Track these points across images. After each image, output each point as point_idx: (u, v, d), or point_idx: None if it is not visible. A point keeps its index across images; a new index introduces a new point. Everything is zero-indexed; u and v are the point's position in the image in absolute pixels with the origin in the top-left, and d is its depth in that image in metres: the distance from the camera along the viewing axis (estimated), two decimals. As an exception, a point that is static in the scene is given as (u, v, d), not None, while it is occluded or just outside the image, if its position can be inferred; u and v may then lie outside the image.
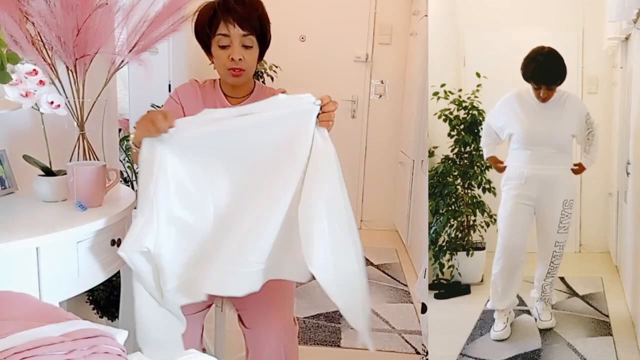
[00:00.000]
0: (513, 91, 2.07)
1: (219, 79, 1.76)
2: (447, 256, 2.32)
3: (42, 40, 1.67)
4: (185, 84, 1.77)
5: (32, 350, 0.87)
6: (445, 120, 2.35)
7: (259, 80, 3.48)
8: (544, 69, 1.95)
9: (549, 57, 1.94)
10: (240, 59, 1.60)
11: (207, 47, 1.67)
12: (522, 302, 2.27)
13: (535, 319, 2.16)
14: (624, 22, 2.10)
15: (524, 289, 2.25)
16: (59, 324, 0.97)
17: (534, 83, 1.95)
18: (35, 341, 0.88)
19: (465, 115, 2.34)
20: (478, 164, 2.38)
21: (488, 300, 2.18)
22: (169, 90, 2.81)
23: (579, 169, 2.05)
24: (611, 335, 2.07)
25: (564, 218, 2.00)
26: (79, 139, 1.82)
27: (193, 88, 1.74)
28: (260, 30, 1.62)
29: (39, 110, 1.62)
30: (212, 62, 1.70)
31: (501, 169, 2.09)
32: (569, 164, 2.06)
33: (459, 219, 2.34)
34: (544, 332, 2.13)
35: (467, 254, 2.35)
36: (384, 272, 3.40)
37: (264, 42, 1.66)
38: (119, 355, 0.94)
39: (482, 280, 2.38)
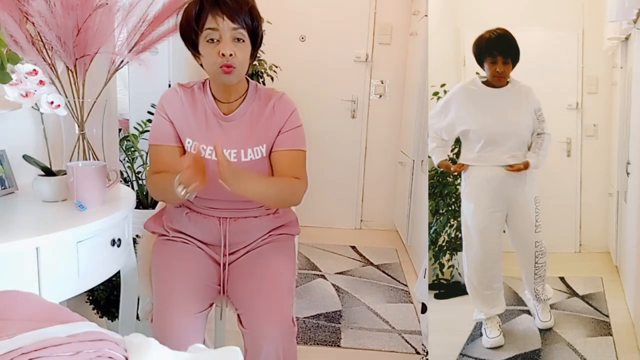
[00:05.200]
0: (457, 85, 1.95)
1: (208, 81, 1.66)
2: (447, 256, 2.32)
3: (42, 40, 1.67)
4: (168, 92, 1.67)
5: (40, 351, 0.87)
6: (445, 120, 2.34)
7: (258, 80, 3.46)
8: (500, 38, 1.86)
9: (502, 31, 1.88)
10: (231, 55, 1.49)
11: (193, 45, 1.57)
12: (522, 302, 2.27)
13: (534, 318, 2.15)
14: (624, 22, 2.10)
15: (521, 288, 2.26)
16: (66, 325, 0.97)
17: (489, 57, 1.86)
18: (42, 342, 0.88)
19: (465, 115, 2.34)
20: (478, 164, 2.37)
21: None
22: (169, 90, 2.81)
23: (522, 166, 1.87)
24: (611, 335, 2.07)
25: (537, 216, 1.91)
26: (79, 139, 1.82)
27: (177, 96, 1.64)
28: (251, 24, 1.52)
29: (39, 110, 1.62)
30: (200, 63, 1.60)
31: (457, 169, 1.92)
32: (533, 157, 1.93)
33: (459, 219, 2.34)
34: (544, 332, 2.12)
35: (467, 254, 2.34)
36: (384, 272, 3.40)
37: (255, 39, 1.56)
38: (122, 362, 0.94)
39: (482, 280, 2.38)
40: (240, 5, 1.50)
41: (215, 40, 1.51)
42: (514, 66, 1.87)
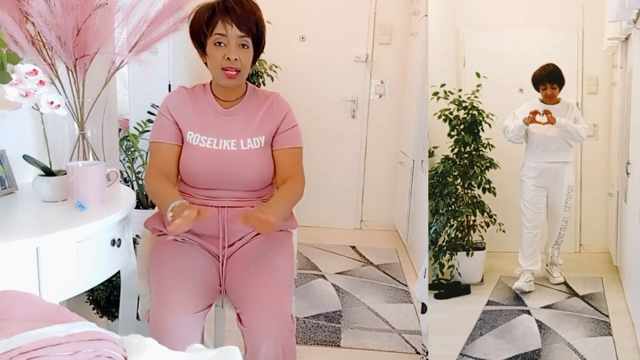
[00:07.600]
0: (525, 103, 2.47)
1: (210, 83, 1.78)
2: (447, 256, 2.33)
3: (42, 40, 1.67)
4: (173, 93, 1.80)
5: (38, 351, 0.87)
6: (445, 120, 2.35)
7: (258, 80, 3.48)
8: (549, 71, 2.38)
9: (553, 66, 2.37)
10: (236, 59, 1.63)
11: (201, 46, 1.70)
12: (522, 302, 2.27)
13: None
14: (624, 22, 2.10)
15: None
16: (65, 324, 0.97)
17: (542, 85, 2.38)
18: (40, 341, 0.88)
19: (465, 115, 2.34)
20: (478, 164, 2.38)
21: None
22: (169, 90, 2.81)
23: (551, 119, 2.41)
24: (611, 335, 2.08)
25: (568, 199, 2.42)
26: (79, 139, 1.82)
27: (181, 96, 1.77)
28: (256, 33, 1.66)
29: (39, 110, 1.62)
30: (206, 62, 1.72)
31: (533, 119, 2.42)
32: (571, 157, 2.40)
33: (459, 219, 2.34)
34: (543, 332, 2.13)
35: (467, 254, 2.35)
36: (384, 272, 3.40)
37: (258, 45, 1.70)
38: (121, 361, 0.94)
39: (482, 280, 2.39)
40: (248, 15, 1.64)
41: (222, 45, 1.64)
42: (560, 89, 2.38)
